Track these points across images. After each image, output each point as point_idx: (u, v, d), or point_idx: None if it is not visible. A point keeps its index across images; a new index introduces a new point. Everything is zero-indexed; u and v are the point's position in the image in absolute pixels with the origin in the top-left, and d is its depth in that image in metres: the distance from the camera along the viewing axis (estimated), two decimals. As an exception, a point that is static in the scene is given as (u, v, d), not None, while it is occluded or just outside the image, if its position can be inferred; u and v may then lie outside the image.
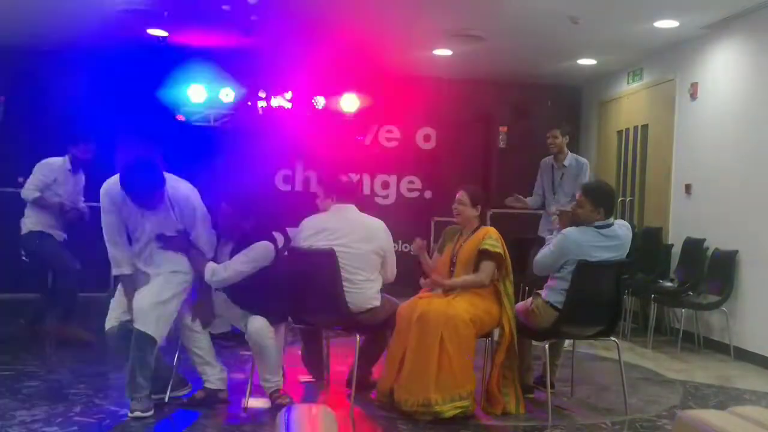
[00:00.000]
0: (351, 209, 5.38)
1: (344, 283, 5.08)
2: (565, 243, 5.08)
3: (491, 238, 5.14)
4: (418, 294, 5.25)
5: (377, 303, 5.27)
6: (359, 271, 5.18)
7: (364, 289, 5.19)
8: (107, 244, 4.86)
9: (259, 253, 4.98)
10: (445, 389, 4.74)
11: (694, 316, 7.74)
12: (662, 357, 7.33)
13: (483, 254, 5.10)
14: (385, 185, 11.03)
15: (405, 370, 4.85)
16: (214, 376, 5.08)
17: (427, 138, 11.13)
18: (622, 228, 5.18)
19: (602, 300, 5.13)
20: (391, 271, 5.42)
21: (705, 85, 8.17)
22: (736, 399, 5.90)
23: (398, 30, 8.45)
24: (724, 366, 7.03)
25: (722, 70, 7.93)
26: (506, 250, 5.16)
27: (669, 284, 7.94)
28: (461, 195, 5.30)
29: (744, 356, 7.17)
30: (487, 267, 5.08)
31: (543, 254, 5.21)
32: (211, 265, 4.92)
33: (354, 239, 5.21)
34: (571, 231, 5.14)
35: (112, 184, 4.80)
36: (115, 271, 4.92)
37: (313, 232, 5.28)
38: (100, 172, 5.16)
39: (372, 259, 5.25)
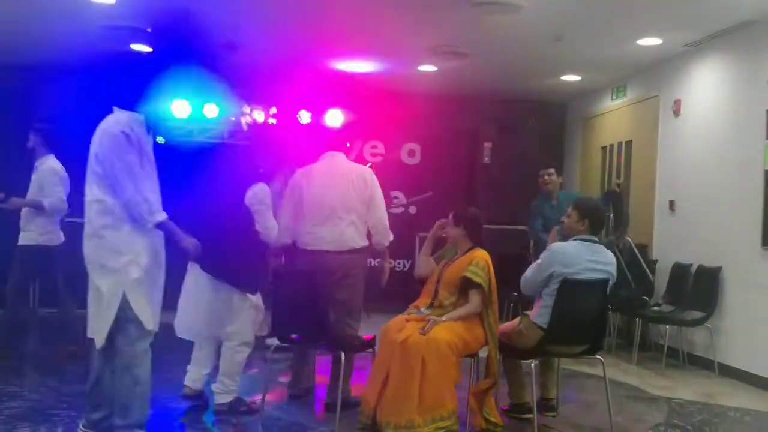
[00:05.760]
0: (340, 156, 5.73)
1: (327, 222, 5.44)
2: (550, 254, 5.11)
3: (477, 266, 5.10)
4: (407, 313, 5.21)
5: (356, 245, 5.48)
6: (339, 211, 5.46)
7: (342, 228, 5.46)
8: None
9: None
10: (427, 410, 4.71)
11: (678, 332, 7.76)
12: (647, 373, 7.34)
13: (466, 282, 5.09)
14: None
15: (388, 393, 4.81)
16: None
17: (411, 153, 11.18)
18: (609, 253, 5.21)
19: (588, 319, 5.12)
20: (379, 219, 5.59)
21: (688, 102, 8.23)
22: (721, 416, 5.91)
23: (383, 46, 8.46)
24: (708, 382, 7.04)
25: (705, 87, 7.99)
26: (493, 279, 5.12)
27: (656, 308, 7.96)
28: (450, 216, 5.34)
29: (728, 372, 7.19)
30: (475, 295, 5.07)
31: (529, 269, 5.24)
32: None
33: (338, 181, 5.54)
34: (556, 244, 5.24)
35: None
36: None
37: (307, 173, 5.66)
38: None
39: (352, 200, 5.51)
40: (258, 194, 5.38)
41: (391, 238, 5.69)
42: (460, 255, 5.28)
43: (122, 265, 4.21)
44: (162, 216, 4.28)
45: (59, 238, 6.91)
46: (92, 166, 4.30)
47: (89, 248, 4.31)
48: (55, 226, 6.89)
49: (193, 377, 5.39)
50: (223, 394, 5.33)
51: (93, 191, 4.29)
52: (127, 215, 4.23)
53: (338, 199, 5.49)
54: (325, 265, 5.35)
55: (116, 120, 4.34)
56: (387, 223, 5.64)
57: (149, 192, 4.26)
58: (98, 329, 4.27)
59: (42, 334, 7.67)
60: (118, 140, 4.22)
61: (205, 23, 7.59)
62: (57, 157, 6.91)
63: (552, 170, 7.84)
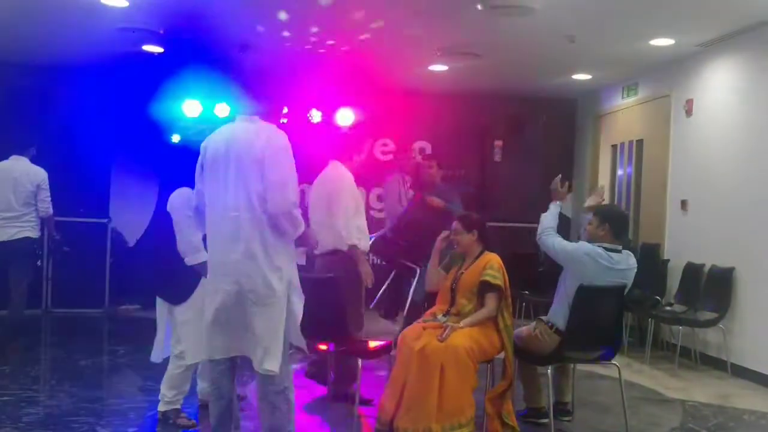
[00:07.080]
0: (334, 165, 5.96)
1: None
2: (580, 252, 5.07)
3: (492, 268, 5.12)
4: (422, 320, 5.22)
5: (330, 248, 5.63)
6: (311, 212, 5.78)
7: (319, 231, 5.48)
8: None
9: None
10: (445, 418, 4.72)
11: (691, 333, 7.75)
12: (660, 374, 7.34)
13: (485, 286, 5.09)
14: (381, 198, 11.05)
15: (406, 400, 4.81)
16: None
17: (422, 151, 11.16)
18: (630, 258, 5.19)
19: (604, 324, 5.14)
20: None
21: (700, 102, 8.20)
22: (736, 419, 5.92)
23: (395, 46, 8.45)
24: (721, 384, 7.04)
25: (717, 87, 7.96)
26: (507, 280, 5.15)
27: (668, 308, 7.97)
28: (455, 224, 5.35)
29: (741, 373, 7.19)
30: (492, 298, 5.07)
31: (560, 241, 5.16)
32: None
33: (315, 186, 5.97)
34: (587, 245, 5.15)
35: None
36: None
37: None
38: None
39: (317, 203, 5.82)
40: (172, 201, 5.06)
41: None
42: (471, 260, 5.29)
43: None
44: None
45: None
46: None
47: None
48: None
49: (204, 391, 5.36)
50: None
51: None
52: None
53: (311, 201, 5.94)
54: (310, 268, 5.56)
55: None
56: (340, 222, 5.65)
57: None
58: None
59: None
60: None
61: (216, 23, 7.65)
62: None
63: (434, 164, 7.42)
